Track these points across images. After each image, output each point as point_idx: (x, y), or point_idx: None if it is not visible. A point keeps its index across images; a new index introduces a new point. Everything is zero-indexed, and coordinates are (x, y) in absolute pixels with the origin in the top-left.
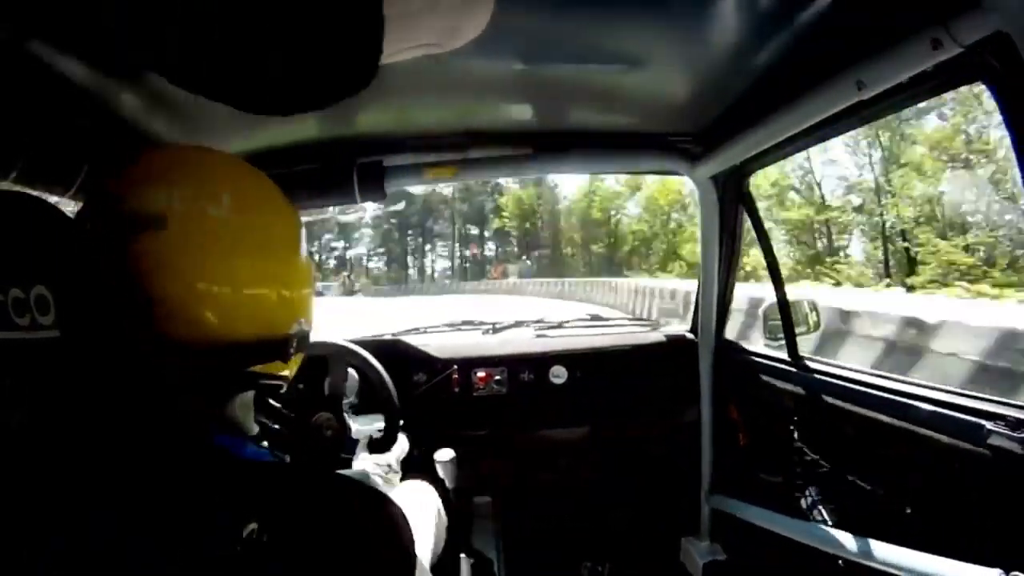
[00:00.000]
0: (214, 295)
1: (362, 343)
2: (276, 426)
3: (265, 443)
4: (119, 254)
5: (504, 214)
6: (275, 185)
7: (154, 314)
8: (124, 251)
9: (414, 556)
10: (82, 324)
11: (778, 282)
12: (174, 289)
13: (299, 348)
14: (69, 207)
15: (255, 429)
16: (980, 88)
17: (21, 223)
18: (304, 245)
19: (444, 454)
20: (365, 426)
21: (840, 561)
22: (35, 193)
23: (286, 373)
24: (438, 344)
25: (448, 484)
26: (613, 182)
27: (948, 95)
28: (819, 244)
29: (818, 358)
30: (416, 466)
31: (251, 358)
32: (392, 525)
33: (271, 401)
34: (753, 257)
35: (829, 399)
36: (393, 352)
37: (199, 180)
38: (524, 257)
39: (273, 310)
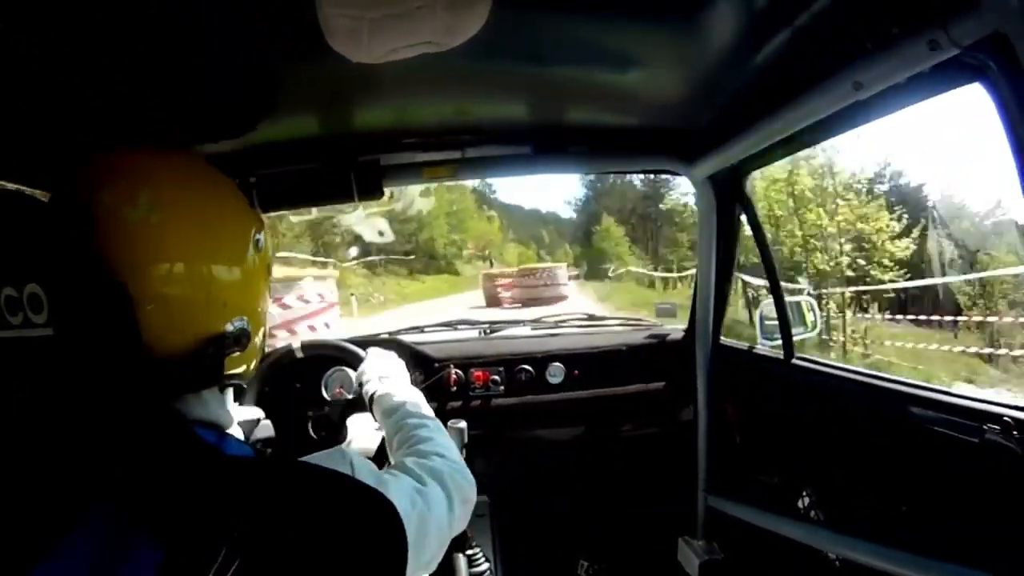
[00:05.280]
0: (150, 288)
1: (359, 341)
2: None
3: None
4: (76, 248)
5: None
6: (230, 184)
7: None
8: (81, 246)
9: (406, 554)
10: (71, 321)
11: (775, 282)
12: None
13: (237, 345)
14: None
15: (232, 422)
16: None
17: (14, 222)
18: (255, 244)
19: (458, 423)
20: (361, 424)
21: (836, 561)
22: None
23: (240, 370)
24: (435, 343)
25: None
26: None
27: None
28: None
29: (814, 358)
30: None
31: (193, 357)
32: (385, 523)
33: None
34: None
35: (825, 399)
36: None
37: (133, 178)
38: None
39: (206, 306)
